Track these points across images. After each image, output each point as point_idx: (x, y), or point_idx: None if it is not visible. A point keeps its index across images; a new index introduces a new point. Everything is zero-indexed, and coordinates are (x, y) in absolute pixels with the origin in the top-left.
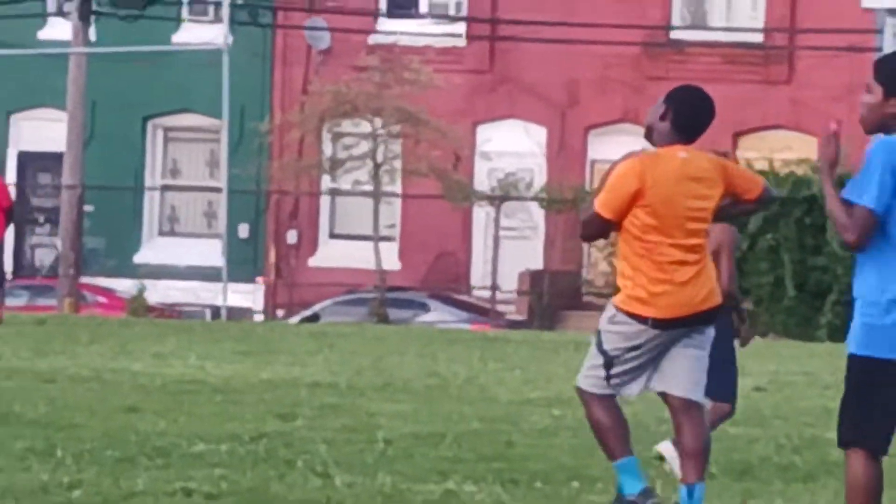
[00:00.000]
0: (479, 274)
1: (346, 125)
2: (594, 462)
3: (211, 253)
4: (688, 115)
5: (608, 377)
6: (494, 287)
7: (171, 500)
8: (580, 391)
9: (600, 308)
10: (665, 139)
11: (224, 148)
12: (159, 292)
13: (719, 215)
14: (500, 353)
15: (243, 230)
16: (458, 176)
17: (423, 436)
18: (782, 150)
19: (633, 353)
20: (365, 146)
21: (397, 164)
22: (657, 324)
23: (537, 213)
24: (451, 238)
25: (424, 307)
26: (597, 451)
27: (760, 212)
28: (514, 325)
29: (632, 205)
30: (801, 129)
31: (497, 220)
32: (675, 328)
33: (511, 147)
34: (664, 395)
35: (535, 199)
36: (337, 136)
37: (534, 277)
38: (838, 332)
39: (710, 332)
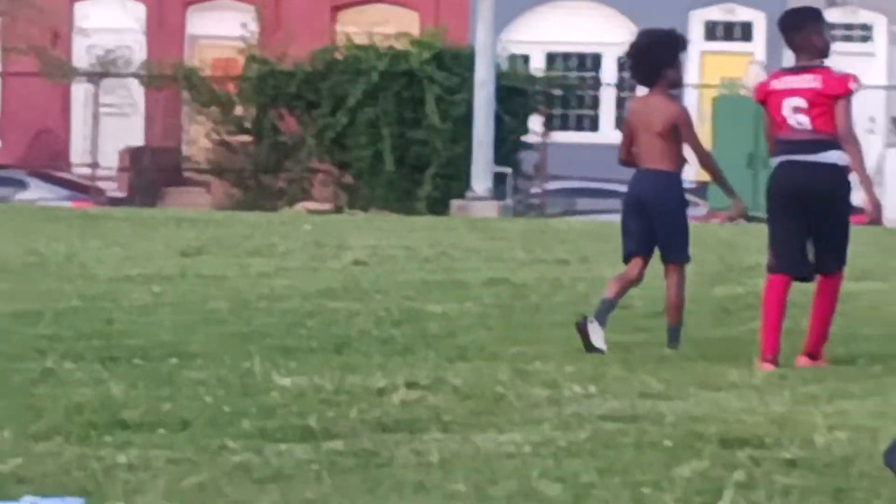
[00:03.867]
0: (79, 151)
1: None
2: (194, 338)
3: None
4: None
5: None
6: (95, 164)
7: None
8: None
9: (200, 184)
10: None
11: None
12: None
13: None
14: (101, 230)
15: None
16: (56, 53)
17: (22, 314)
18: (382, 24)
19: None
20: None
21: None
22: None
23: (137, 90)
24: (51, 115)
25: (23, 185)
26: (197, 328)
27: None
28: (115, 202)
29: None
30: (399, 2)
31: (96, 97)
32: None
33: (109, 24)
34: None
35: (134, 75)
36: None
37: (134, 154)
38: (437, 205)
39: None
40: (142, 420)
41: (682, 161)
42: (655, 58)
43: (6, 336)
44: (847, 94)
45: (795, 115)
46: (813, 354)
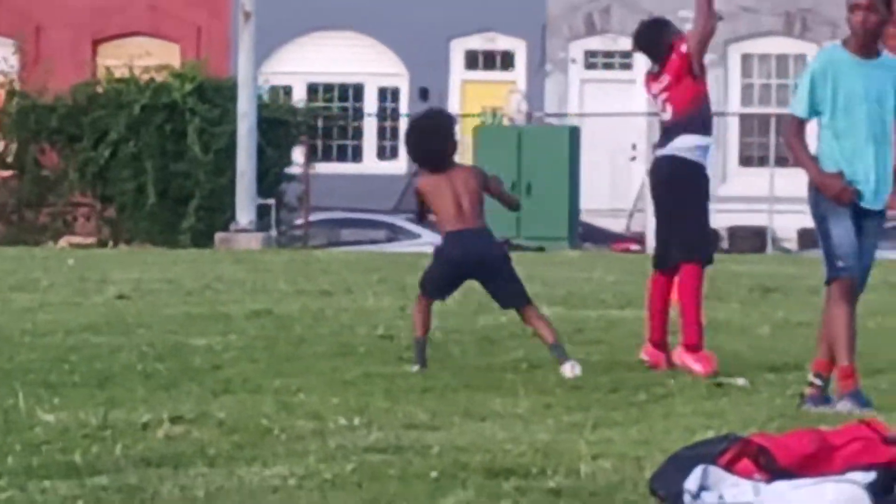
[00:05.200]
0: None
1: None
2: None
3: None
4: None
5: None
6: None
7: None
8: None
9: None
10: None
11: None
12: None
13: None
14: None
15: None
16: None
17: None
18: (143, 57)
19: None
20: None
21: None
22: None
23: None
24: None
25: None
26: None
27: None
28: None
29: None
30: (160, 35)
31: None
32: None
33: None
34: None
35: None
36: None
37: None
38: (202, 237)
39: None
40: None
41: None
42: (443, 147)
43: None
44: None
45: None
46: (688, 346)
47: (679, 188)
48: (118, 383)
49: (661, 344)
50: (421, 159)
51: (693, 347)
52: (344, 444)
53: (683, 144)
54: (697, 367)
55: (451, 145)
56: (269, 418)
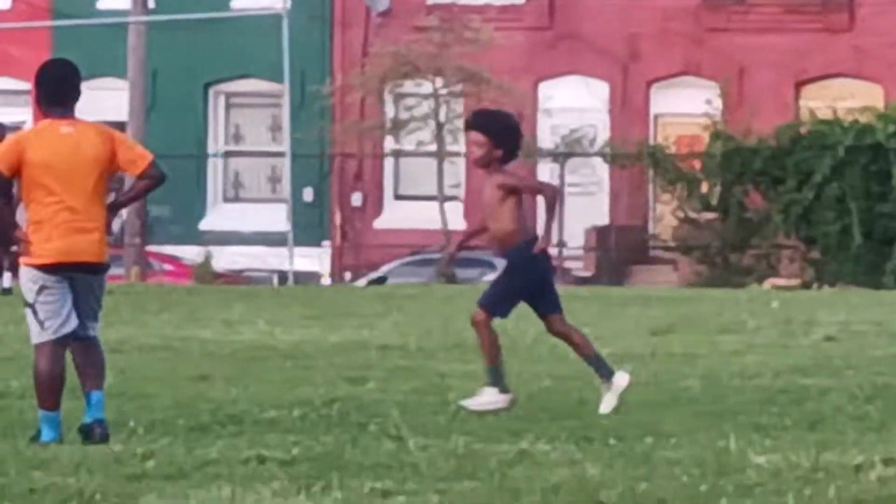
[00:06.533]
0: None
1: (408, 86)
2: (667, 417)
3: (276, 218)
4: (51, 89)
5: (40, 323)
6: (561, 244)
7: (244, 468)
8: (34, 347)
9: (667, 262)
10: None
11: (286, 112)
12: (225, 258)
13: (117, 204)
14: (569, 309)
15: (308, 194)
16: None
17: None
18: (846, 98)
19: (44, 296)
20: (427, 106)
21: (460, 123)
22: (45, 268)
23: (601, 169)
24: None
25: (491, 266)
26: (670, 407)
27: (154, 188)
28: (582, 281)
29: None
30: (863, 76)
31: (562, 177)
32: (65, 272)
33: (573, 103)
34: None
35: (598, 154)
36: (398, 97)
37: (600, 233)
38: None
39: (101, 279)
40: (619, 500)
41: None
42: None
43: (480, 418)
44: None
45: None
46: None
47: None
48: (829, 425)
49: None
50: (512, 147)
51: None
52: None
53: None
54: None
55: None
56: None
